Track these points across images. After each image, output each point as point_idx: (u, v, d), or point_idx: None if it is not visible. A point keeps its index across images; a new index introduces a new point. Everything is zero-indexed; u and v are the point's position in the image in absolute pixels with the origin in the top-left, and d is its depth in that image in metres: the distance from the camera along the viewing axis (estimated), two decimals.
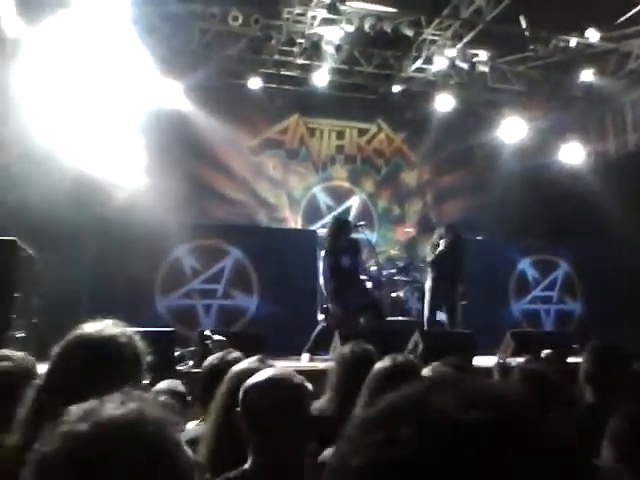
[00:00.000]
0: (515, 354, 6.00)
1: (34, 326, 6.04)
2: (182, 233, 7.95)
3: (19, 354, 2.21)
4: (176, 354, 5.48)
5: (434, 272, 7.18)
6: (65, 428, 0.89)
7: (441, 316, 7.39)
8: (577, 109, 10.12)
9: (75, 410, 0.91)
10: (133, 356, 1.64)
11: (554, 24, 8.32)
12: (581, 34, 8.40)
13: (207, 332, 5.07)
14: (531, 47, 8.83)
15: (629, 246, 9.07)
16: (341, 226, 6.66)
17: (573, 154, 10.49)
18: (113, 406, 0.92)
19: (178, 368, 5.15)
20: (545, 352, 4.82)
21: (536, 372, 2.85)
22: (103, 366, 1.55)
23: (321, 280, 6.70)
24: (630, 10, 7.92)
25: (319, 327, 6.63)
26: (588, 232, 9.49)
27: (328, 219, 10.09)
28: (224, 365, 2.59)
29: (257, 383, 1.83)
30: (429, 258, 7.27)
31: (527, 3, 7.61)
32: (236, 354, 2.87)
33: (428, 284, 7.27)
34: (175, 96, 8.58)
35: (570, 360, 5.69)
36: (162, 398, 2.51)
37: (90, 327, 1.65)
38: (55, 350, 1.63)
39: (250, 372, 1.96)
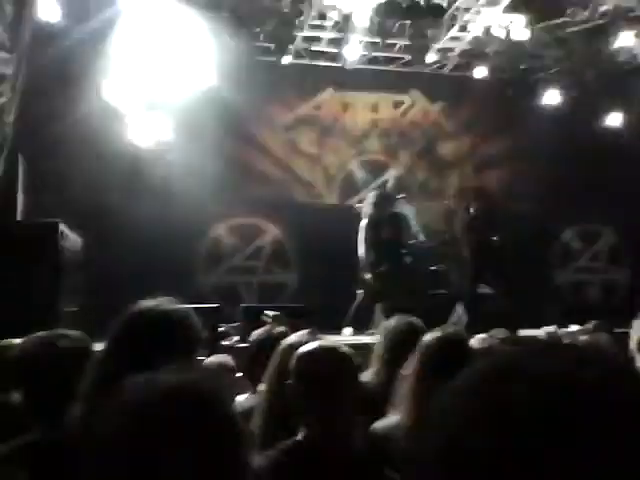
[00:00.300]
0: (559, 325, 5.91)
1: (81, 304, 6.19)
2: (221, 212, 8.02)
3: (76, 333, 2.26)
4: (221, 329, 5.56)
5: (469, 243, 7.09)
6: (127, 398, 0.91)
7: (484, 289, 7.32)
8: (617, 74, 9.77)
9: (135, 380, 0.93)
10: (190, 331, 1.67)
11: None
12: None
13: (267, 312, 5.13)
14: (569, 11, 8.54)
15: None
16: (383, 198, 6.65)
17: (615, 119, 10.17)
18: (171, 376, 0.94)
19: (223, 343, 5.23)
20: (590, 322, 4.73)
21: (590, 343, 2.81)
22: (164, 339, 1.58)
23: (360, 251, 6.69)
24: None
25: (357, 300, 6.65)
26: (634, 200, 9.23)
27: (364, 194, 10.04)
28: (272, 339, 2.62)
29: (309, 352, 1.85)
30: (461, 229, 7.18)
31: None
32: (282, 328, 2.89)
33: (467, 255, 7.18)
34: (208, 75, 8.57)
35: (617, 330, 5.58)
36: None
37: (149, 303, 1.68)
38: (115, 324, 1.66)
39: (302, 344, 1.98)
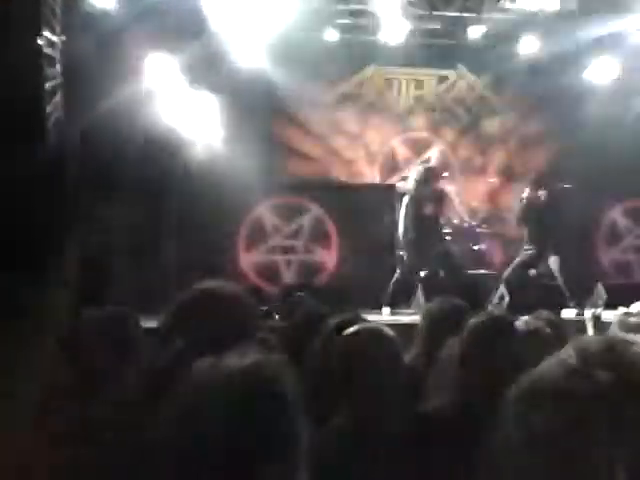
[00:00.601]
0: (607, 307, 5.79)
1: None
2: (262, 191, 8.08)
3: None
4: (263, 309, 5.63)
5: (526, 231, 6.95)
6: (193, 382, 0.93)
7: (531, 272, 7.20)
8: None
9: (202, 363, 0.96)
10: (250, 312, 1.69)
11: None
12: None
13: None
14: None
15: None
16: (427, 174, 6.59)
17: None
18: (236, 359, 0.97)
19: (265, 324, 5.29)
20: (637, 304, 4.61)
21: (636, 325, 2.75)
22: (228, 320, 1.61)
23: (400, 228, 6.66)
24: None
25: (394, 278, 6.63)
26: None
27: (407, 172, 9.94)
28: (315, 319, 2.64)
29: (354, 334, 1.86)
30: (518, 215, 7.03)
31: None
32: (325, 309, 2.92)
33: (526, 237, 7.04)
34: (250, 53, 8.57)
35: None
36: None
37: (210, 284, 1.70)
38: (176, 304, 1.67)
39: (346, 325, 2.00)
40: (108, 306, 2.64)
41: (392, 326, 3.95)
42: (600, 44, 9.49)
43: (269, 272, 7.98)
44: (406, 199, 6.70)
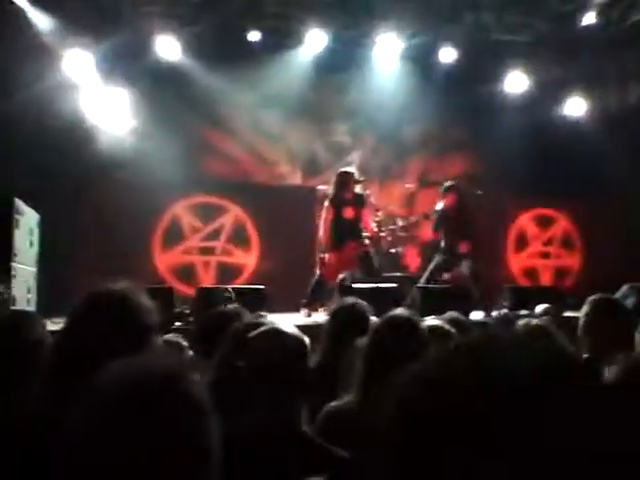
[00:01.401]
0: (512, 309, 6.06)
1: (34, 281, 6.06)
2: (180, 190, 7.93)
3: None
4: (176, 310, 5.52)
5: (442, 237, 7.17)
6: (106, 381, 0.93)
7: (445, 275, 7.42)
8: (580, 62, 9.94)
9: (108, 369, 0.95)
10: (146, 313, 1.65)
11: None
12: None
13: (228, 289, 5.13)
14: None
15: (630, 202, 9.05)
16: (346, 179, 6.66)
17: (576, 107, 10.37)
18: (141, 361, 0.98)
19: (178, 324, 5.19)
20: (541, 307, 4.86)
21: (539, 327, 2.88)
22: (120, 323, 1.57)
23: (321, 231, 6.72)
24: None
25: (314, 279, 6.68)
26: (589, 187, 9.45)
27: (328, 175, 10.03)
28: (225, 321, 2.61)
29: (261, 335, 1.86)
30: (434, 221, 7.24)
31: None
32: (236, 309, 2.89)
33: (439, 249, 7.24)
34: (172, 50, 8.42)
35: (567, 314, 5.75)
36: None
37: (106, 285, 1.66)
38: (75, 306, 1.64)
39: (252, 328, 1.99)
40: (13, 308, 2.51)
41: (306, 327, 3.98)
42: (514, 56, 9.96)
43: (186, 273, 7.84)
44: (327, 202, 6.76)
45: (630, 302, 5.88)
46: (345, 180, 6.66)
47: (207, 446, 0.94)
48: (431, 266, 7.20)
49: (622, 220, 9.46)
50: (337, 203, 6.59)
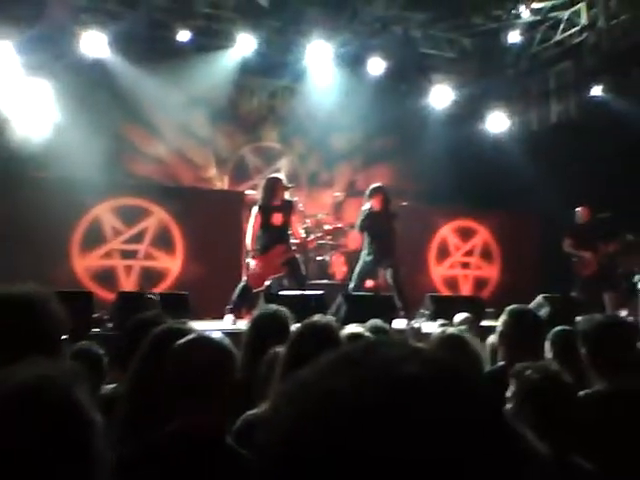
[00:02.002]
0: (433, 318, 6.20)
1: None
2: (102, 190, 7.68)
3: None
4: (94, 316, 5.32)
5: (366, 237, 7.24)
6: None
7: (369, 283, 7.52)
8: (503, 79, 10.36)
9: None
10: (52, 318, 1.58)
11: None
12: (513, 5, 8.57)
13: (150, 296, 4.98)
14: (464, 15, 8.95)
15: (545, 217, 9.49)
16: (275, 185, 6.64)
17: (498, 123, 10.79)
18: (18, 372, 0.93)
19: (96, 330, 5.01)
20: (460, 315, 4.98)
21: (453, 336, 2.96)
22: (20, 328, 1.49)
23: (248, 237, 6.67)
24: None
25: (240, 285, 6.62)
26: (508, 201, 9.84)
27: (256, 181, 9.98)
28: (145, 327, 2.54)
29: (186, 342, 1.82)
30: (358, 224, 7.31)
31: None
32: (157, 315, 2.81)
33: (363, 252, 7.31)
34: (98, 46, 8.15)
35: (484, 323, 5.95)
36: (73, 361, 2.43)
37: (6, 289, 1.57)
38: None
39: (172, 334, 1.94)
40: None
41: (230, 334, 3.92)
42: (440, 71, 10.26)
43: (106, 277, 7.58)
44: (255, 208, 6.72)
45: (544, 312, 6.15)
46: (274, 186, 6.65)
47: (88, 456, 0.92)
48: (355, 273, 7.27)
49: (538, 233, 9.91)
50: (265, 209, 6.57)
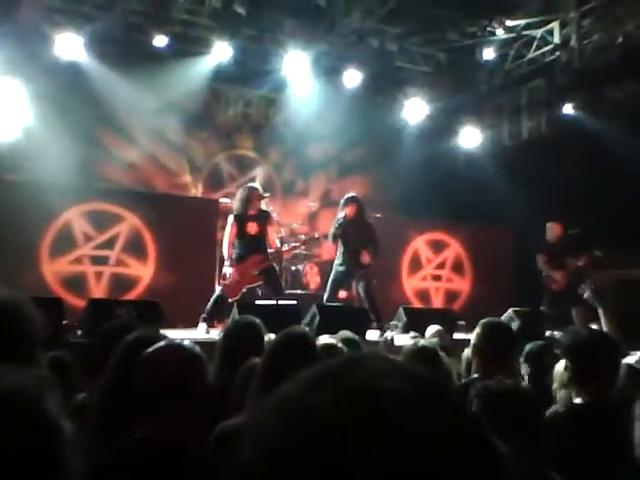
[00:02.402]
0: (406, 330, 6.23)
1: None
2: (73, 195, 7.57)
3: None
4: (64, 323, 5.23)
5: (339, 247, 7.23)
6: None
7: (342, 293, 7.51)
8: (477, 94, 10.52)
9: None
10: (28, 324, 1.54)
11: (464, 9, 8.58)
12: (489, 20, 8.72)
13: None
14: (440, 30, 9.07)
15: (516, 230, 9.63)
16: (251, 194, 6.62)
17: (471, 138, 10.94)
18: None
19: (66, 338, 4.91)
20: (432, 328, 5.01)
21: (425, 348, 2.98)
22: (8, 331, 1.46)
23: (224, 246, 6.63)
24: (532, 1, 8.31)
25: (215, 294, 6.58)
26: (480, 215, 9.96)
27: (231, 188, 9.94)
28: (116, 335, 2.50)
29: (156, 351, 1.80)
30: (331, 232, 7.30)
31: None
32: (128, 323, 2.77)
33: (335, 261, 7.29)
34: (73, 48, 8.04)
35: (457, 336, 6.00)
36: (43, 370, 2.38)
37: None
38: None
39: (144, 342, 1.92)
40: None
41: (203, 343, 3.88)
42: (415, 85, 10.35)
43: (77, 284, 7.44)
44: (230, 217, 6.70)
45: (514, 326, 6.23)
46: (249, 196, 6.64)
47: (57, 465, 0.90)
48: (328, 284, 7.25)
49: (509, 246, 10.05)
50: (241, 218, 6.55)
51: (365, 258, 6.97)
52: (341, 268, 7.12)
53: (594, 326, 6.62)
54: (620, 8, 7.85)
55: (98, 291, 7.53)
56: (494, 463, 0.56)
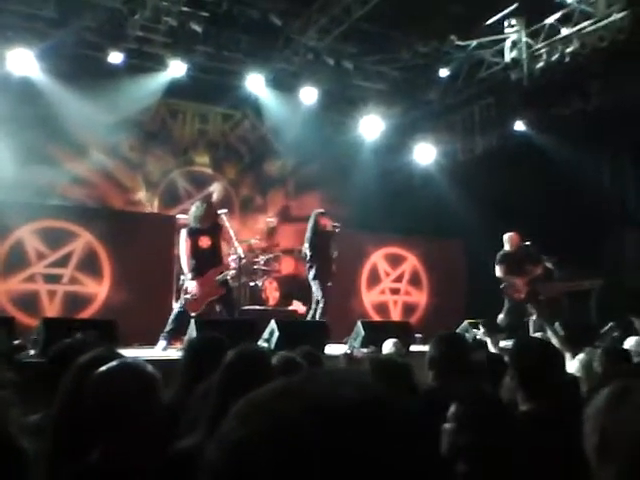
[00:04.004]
0: (364, 343, 6.28)
1: None
2: (26, 212, 7.41)
3: None
4: (16, 342, 5.09)
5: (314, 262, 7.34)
6: None
7: (301, 308, 7.55)
8: (431, 112, 10.75)
9: None
10: None
11: (417, 29, 8.78)
12: (441, 41, 8.94)
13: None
14: (394, 49, 9.25)
15: (470, 242, 9.83)
16: (207, 209, 6.61)
17: (425, 154, 11.16)
18: None
19: (17, 357, 4.78)
20: (390, 341, 5.06)
21: (384, 361, 3.02)
22: None
23: (183, 261, 6.58)
24: (485, 21, 8.56)
25: (176, 310, 6.51)
26: (435, 228, 10.15)
27: (187, 205, 9.87)
28: (69, 354, 2.46)
29: (107, 371, 1.78)
30: (305, 248, 7.41)
31: (395, 5, 7.91)
32: (82, 342, 2.73)
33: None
34: (25, 63, 7.91)
35: (414, 349, 6.07)
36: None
37: None
38: None
39: (97, 361, 1.89)
40: None
41: (161, 361, 3.83)
42: (371, 102, 10.52)
43: (29, 303, 7.26)
44: (183, 232, 6.66)
45: (470, 337, 6.34)
46: (206, 211, 6.62)
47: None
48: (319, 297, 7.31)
49: (463, 258, 10.25)
50: (194, 232, 6.53)
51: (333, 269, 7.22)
52: (321, 280, 7.29)
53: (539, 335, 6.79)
54: (567, 28, 8.15)
55: (51, 310, 7.36)
56: (444, 471, 0.60)
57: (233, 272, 6.61)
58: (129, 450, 1.74)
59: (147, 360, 2.01)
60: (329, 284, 7.38)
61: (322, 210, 7.69)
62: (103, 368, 1.81)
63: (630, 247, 9.26)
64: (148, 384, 1.80)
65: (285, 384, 0.62)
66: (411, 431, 0.59)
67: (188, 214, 7.00)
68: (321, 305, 7.26)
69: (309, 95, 9.73)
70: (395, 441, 0.57)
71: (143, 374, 1.81)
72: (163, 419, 1.89)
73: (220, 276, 6.49)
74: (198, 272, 6.48)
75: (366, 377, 0.65)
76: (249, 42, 9.09)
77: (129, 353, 4.38)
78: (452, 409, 1.99)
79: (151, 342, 6.33)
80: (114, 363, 1.83)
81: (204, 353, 2.79)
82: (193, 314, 6.27)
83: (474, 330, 6.53)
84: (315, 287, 7.34)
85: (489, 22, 8.65)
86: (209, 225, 6.59)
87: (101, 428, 1.77)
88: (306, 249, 7.38)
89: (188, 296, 6.41)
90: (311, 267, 7.36)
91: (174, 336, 6.35)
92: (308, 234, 7.48)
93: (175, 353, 5.46)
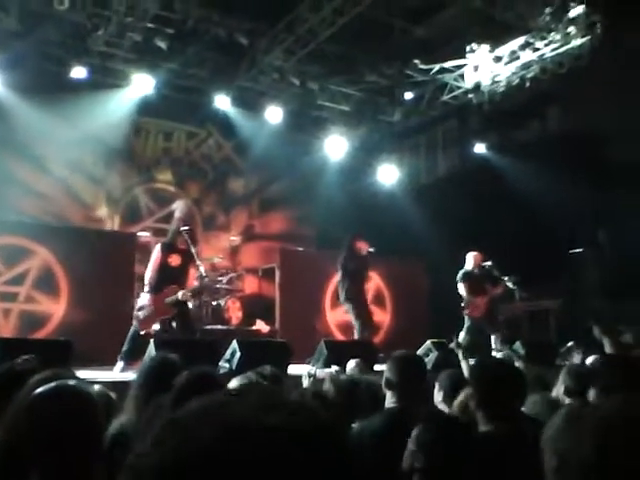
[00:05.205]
0: (327, 363, 6.23)
1: None
2: None
3: None
4: None
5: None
6: None
7: (265, 328, 7.49)
8: (395, 133, 10.89)
9: None
10: None
11: (381, 51, 8.91)
12: (405, 64, 9.09)
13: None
14: (359, 70, 9.37)
15: (432, 261, 9.92)
16: (181, 228, 6.54)
17: (389, 175, 11.27)
18: None
19: None
20: (353, 361, 5.03)
21: (346, 381, 2.99)
22: None
23: (147, 272, 6.46)
24: (448, 45, 8.74)
25: (132, 331, 6.36)
26: (398, 248, 10.21)
27: (149, 222, 9.75)
28: (20, 377, 2.37)
29: (42, 393, 1.69)
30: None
31: (360, 28, 8.01)
32: (31, 364, 2.64)
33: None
34: None
35: (376, 368, 6.05)
36: None
37: None
38: None
39: (47, 383, 1.82)
40: None
41: (119, 384, 3.73)
42: (335, 122, 10.60)
43: None
44: (158, 246, 6.57)
45: (432, 357, 6.36)
46: (179, 229, 6.56)
47: None
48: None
49: (425, 277, 10.32)
50: (168, 248, 6.44)
51: None
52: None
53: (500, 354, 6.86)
54: (528, 53, 8.37)
55: (6, 329, 7.13)
56: None
57: (183, 293, 6.45)
58: (68, 476, 1.66)
59: (104, 382, 1.95)
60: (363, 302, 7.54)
61: (359, 233, 7.75)
62: (37, 391, 1.73)
63: (588, 267, 9.47)
64: (84, 406, 1.70)
65: (205, 405, 0.60)
66: (336, 467, 0.56)
67: (147, 231, 6.90)
68: (356, 326, 7.50)
69: (274, 114, 9.76)
70: (313, 474, 0.54)
71: (80, 396, 1.72)
72: (104, 442, 1.82)
73: (169, 299, 6.35)
74: (157, 288, 6.36)
75: (300, 400, 0.62)
76: (215, 60, 9.10)
77: (86, 374, 4.26)
78: (414, 432, 1.98)
79: (110, 363, 6.17)
80: (50, 385, 1.75)
81: (156, 375, 2.72)
82: (142, 332, 6.13)
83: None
84: (347, 308, 7.49)
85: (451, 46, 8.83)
86: (185, 246, 6.49)
87: (37, 453, 1.69)
88: (338, 270, 7.56)
89: (140, 313, 6.27)
90: (342, 289, 7.49)
91: (132, 357, 6.20)
92: (341, 256, 7.60)
93: (132, 375, 5.33)
